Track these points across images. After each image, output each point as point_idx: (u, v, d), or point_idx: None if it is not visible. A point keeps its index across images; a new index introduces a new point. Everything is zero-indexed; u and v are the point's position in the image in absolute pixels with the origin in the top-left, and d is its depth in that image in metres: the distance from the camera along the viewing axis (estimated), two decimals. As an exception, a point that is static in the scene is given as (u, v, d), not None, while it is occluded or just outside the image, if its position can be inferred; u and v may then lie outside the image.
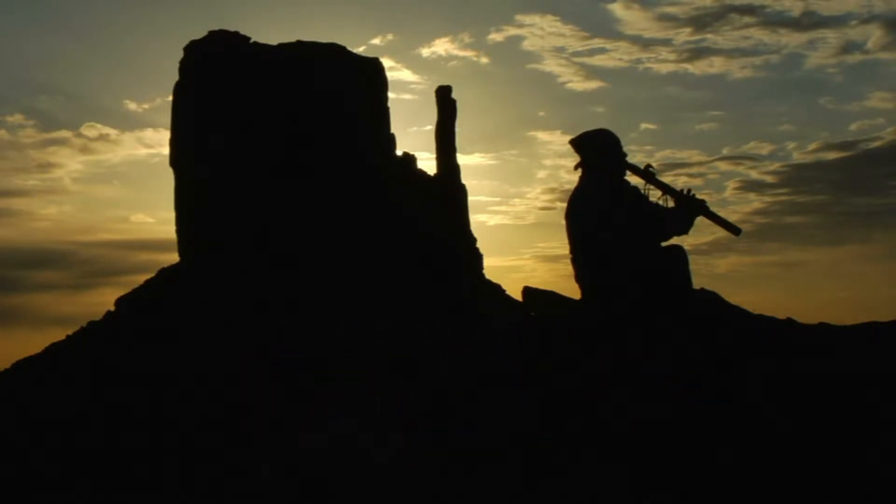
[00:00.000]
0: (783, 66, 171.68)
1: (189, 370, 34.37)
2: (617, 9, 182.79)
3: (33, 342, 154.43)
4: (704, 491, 5.49)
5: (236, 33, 58.51)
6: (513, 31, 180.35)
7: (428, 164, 64.19)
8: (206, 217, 54.99)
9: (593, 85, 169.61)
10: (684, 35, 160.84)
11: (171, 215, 58.44)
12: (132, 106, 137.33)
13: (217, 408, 19.45)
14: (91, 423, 21.41)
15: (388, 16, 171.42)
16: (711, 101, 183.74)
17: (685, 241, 7.43)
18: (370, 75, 58.90)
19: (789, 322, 7.96)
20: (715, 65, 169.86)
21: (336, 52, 58.56)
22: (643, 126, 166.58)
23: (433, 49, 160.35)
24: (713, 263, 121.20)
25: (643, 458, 5.85)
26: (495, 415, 6.62)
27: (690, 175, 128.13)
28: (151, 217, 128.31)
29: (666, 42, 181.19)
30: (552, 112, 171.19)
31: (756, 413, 6.10)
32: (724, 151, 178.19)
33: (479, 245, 60.96)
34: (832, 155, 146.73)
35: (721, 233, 17.44)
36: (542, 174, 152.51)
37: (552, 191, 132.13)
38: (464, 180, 61.59)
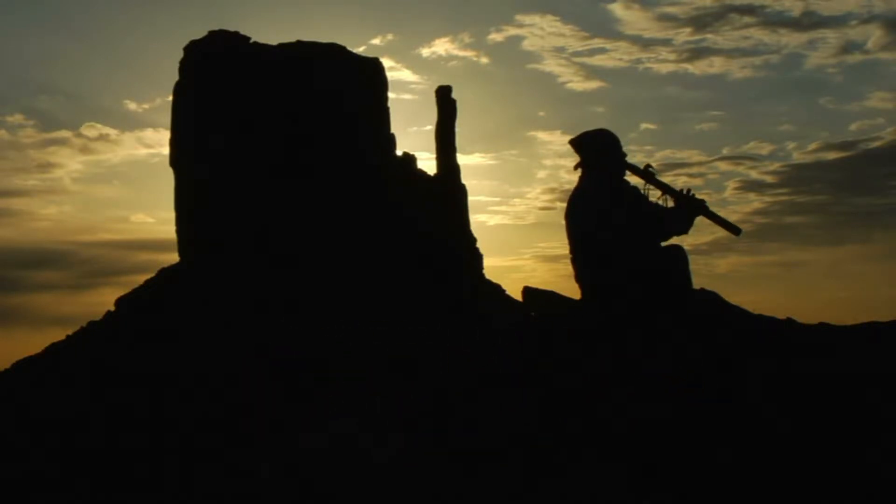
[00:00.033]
0: (783, 66, 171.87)
1: (189, 370, 34.36)
2: (617, 9, 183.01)
3: (33, 342, 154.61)
4: (704, 491, 5.49)
5: (236, 33, 58.52)
6: (513, 31, 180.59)
7: (428, 164, 64.29)
8: (206, 217, 54.99)
9: (593, 85, 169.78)
10: (684, 35, 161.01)
11: (171, 215, 58.53)
12: (132, 106, 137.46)
13: (217, 408, 19.45)
14: (91, 423, 21.41)
15: (388, 16, 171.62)
16: (711, 101, 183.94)
17: (685, 241, 7.43)
18: (370, 75, 58.91)
19: (789, 322, 7.96)
20: (715, 65, 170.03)
21: (336, 52, 58.57)
22: (643, 126, 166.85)
23: (433, 49, 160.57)
24: (713, 263, 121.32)
25: (643, 458, 5.85)
26: (495, 415, 6.62)
27: (690, 175, 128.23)
28: (151, 217, 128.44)
29: (666, 42, 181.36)
30: (552, 112, 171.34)
31: (756, 413, 6.10)
32: (724, 151, 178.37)
33: (479, 245, 61.04)
34: (832, 155, 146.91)
35: (721, 233, 17.45)
36: (542, 174, 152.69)
37: (552, 191, 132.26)
38: (464, 180, 61.70)
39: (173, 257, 57.79)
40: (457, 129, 62.11)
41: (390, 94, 60.55)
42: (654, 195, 7.40)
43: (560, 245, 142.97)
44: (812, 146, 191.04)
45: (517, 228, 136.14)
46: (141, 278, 57.45)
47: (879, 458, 5.54)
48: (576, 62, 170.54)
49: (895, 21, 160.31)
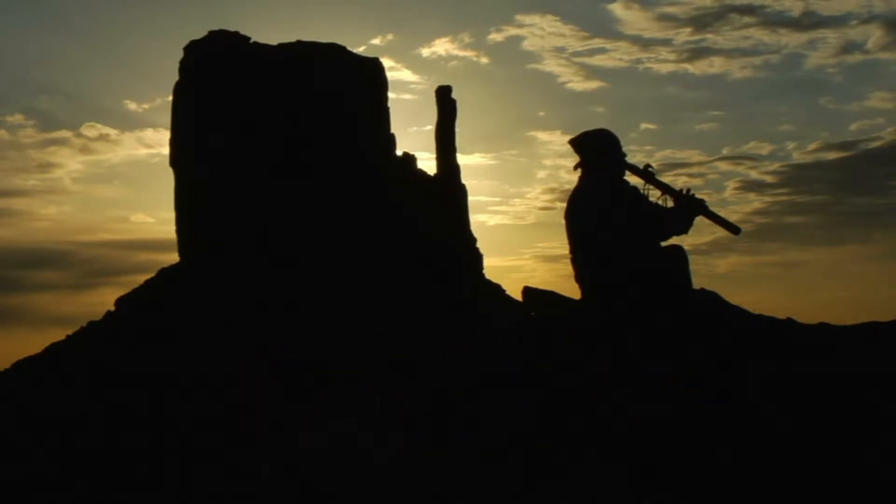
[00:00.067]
0: (783, 66, 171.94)
1: (189, 370, 34.37)
2: (617, 9, 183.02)
3: (33, 342, 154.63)
4: (704, 491, 5.49)
5: (236, 33, 58.52)
6: (513, 31, 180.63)
7: (428, 164, 64.30)
8: (206, 217, 55.00)
9: (593, 85, 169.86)
10: (684, 35, 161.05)
11: (171, 215, 58.54)
12: (132, 106, 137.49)
13: (217, 408, 19.45)
14: (91, 423, 21.41)
15: (388, 16, 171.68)
16: (711, 101, 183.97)
17: (685, 241, 7.43)
18: (370, 75, 58.92)
19: (789, 322, 7.96)
20: (715, 65, 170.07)
21: (336, 52, 58.58)
22: (643, 126, 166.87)
23: (433, 49, 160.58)
24: (713, 263, 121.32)
25: (643, 458, 5.84)
26: (495, 415, 6.62)
27: (690, 175, 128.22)
28: (151, 217, 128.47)
29: (666, 42, 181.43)
30: (552, 112, 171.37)
31: (756, 413, 6.10)
32: (724, 151, 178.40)
33: (479, 245, 61.06)
34: (832, 155, 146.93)
35: (721, 233, 17.45)
36: (542, 174, 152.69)
37: (552, 191, 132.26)
38: (464, 180, 61.71)
39: (173, 257, 57.89)
40: (457, 129, 62.21)
41: (390, 94, 60.67)
42: (654, 195, 7.40)
43: (560, 245, 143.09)
44: (812, 146, 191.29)
45: (517, 228, 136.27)
46: (141, 278, 57.56)
47: (879, 458, 5.54)
48: (576, 62, 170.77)
49: (895, 21, 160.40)
